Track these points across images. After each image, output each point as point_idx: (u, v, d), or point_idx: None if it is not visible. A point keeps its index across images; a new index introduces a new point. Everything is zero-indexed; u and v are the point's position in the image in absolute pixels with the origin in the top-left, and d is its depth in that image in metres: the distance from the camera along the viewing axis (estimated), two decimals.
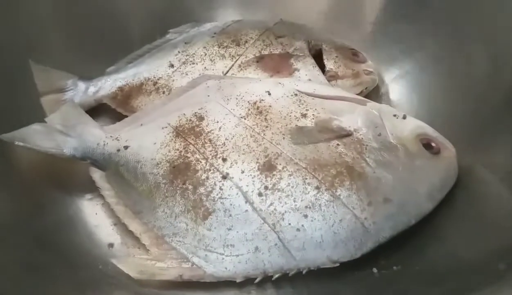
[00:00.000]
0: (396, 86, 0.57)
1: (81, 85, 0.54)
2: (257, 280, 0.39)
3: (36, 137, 0.45)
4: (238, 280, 0.39)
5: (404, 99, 0.56)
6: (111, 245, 0.44)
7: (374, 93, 0.56)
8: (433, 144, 0.44)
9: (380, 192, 0.40)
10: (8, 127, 0.45)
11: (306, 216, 0.39)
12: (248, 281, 0.39)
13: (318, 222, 0.39)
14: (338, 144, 0.42)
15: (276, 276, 0.39)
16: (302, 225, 0.39)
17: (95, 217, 0.46)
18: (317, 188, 0.39)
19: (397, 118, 0.46)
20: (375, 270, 0.40)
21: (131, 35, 0.62)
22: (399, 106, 0.54)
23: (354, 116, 0.45)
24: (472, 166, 0.45)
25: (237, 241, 0.39)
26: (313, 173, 0.40)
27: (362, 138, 0.43)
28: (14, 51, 0.53)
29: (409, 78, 0.57)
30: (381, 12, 0.62)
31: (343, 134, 0.43)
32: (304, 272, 0.39)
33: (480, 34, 0.51)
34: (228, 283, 0.39)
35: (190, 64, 0.54)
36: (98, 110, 0.55)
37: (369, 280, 0.39)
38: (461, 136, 0.47)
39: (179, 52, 0.56)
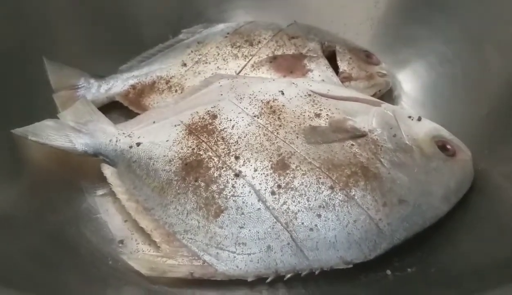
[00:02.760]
0: (410, 89, 0.57)
1: (94, 82, 0.54)
2: (268, 280, 0.38)
3: (48, 132, 0.45)
4: (249, 279, 0.38)
5: (417, 102, 0.55)
6: (121, 242, 0.43)
7: (387, 95, 0.55)
8: (448, 146, 0.43)
9: (395, 193, 0.39)
10: (21, 123, 0.45)
11: (319, 216, 0.38)
12: (259, 281, 0.39)
13: (332, 222, 0.38)
14: (352, 145, 0.41)
15: (288, 276, 0.38)
16: (316, 225, 0.38)
17: (106, 213, 0.46)
18: (331, 187, 0.39)
19: (412, 120, 0.45)
20: (389, 272, 0.39)
21: (144, 35, 0.62)
22: (412, 109, 0.54)
23: (368, 117, 0.44)
24: (487, 169, 0.44)
25: (249, 240, 0.39)
26: (327, 173, 0.40)
27: (377, 139, 0.42)
28: (28, 48, 0.53)
29: (422, 81, 0.56)
30: (393, 15, 0.62)
31: (358, 135, 0.42)
32: (316, 272, 0.38)
33: (494, 37, 0.50)
34: (239, 282, 0.39)
35: (203, 63, 0.54)
36: (110, 108, 0.55)
37: (383, 282, 0.39)
38: (475, 140, 0.46)
39: (192, 51, 0.56)
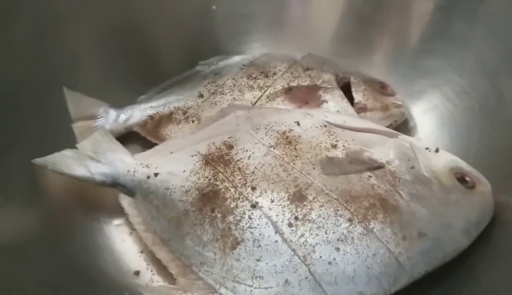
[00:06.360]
0: (425, 120, 0.57)
1: (112, 113, 0.55)
2: None
3: (67, 162, 0.46)
4: None
5: (434, 133, 0.55)
6: (137, 273, 0.43)
7: (403, 127, 0.55)
8: (467, 178, 0.43)
9: (414, 226, 0.39)
10: (40, 152, 0.46)
11: (338, 249, 0.38)
12: None
13: (350, 255, 0.37)
14: (370, 176, 0.41)
15: None
16: (334, 258, 0.38)
17: (122, 243, 0.46)
18: (350, 220, 0.38)
19: (429, 151, 0.45)
20: None
21: (161, 67, 0.63)
22: (429, 141, 0.54)
23: (385, 149, 0.44)
24: (508, 202, 0.43)
25: (266, 273, 0.38)
26: (345, 204, 0.39)
27: (394, 170, 0.42)
28: (49, 79, 0.54)
29: (438, 112, 0.56)
30: (408, 46, 0.62)
31: (375, 166, 0.42)
32: None
33: (509, 69, 0.50)
34: None
35: (219, 94, 0.55)
36: (128, 138, 0.55)
37: None
38: (494, 172, 0.45)
39: (208, 83, 0.57)
